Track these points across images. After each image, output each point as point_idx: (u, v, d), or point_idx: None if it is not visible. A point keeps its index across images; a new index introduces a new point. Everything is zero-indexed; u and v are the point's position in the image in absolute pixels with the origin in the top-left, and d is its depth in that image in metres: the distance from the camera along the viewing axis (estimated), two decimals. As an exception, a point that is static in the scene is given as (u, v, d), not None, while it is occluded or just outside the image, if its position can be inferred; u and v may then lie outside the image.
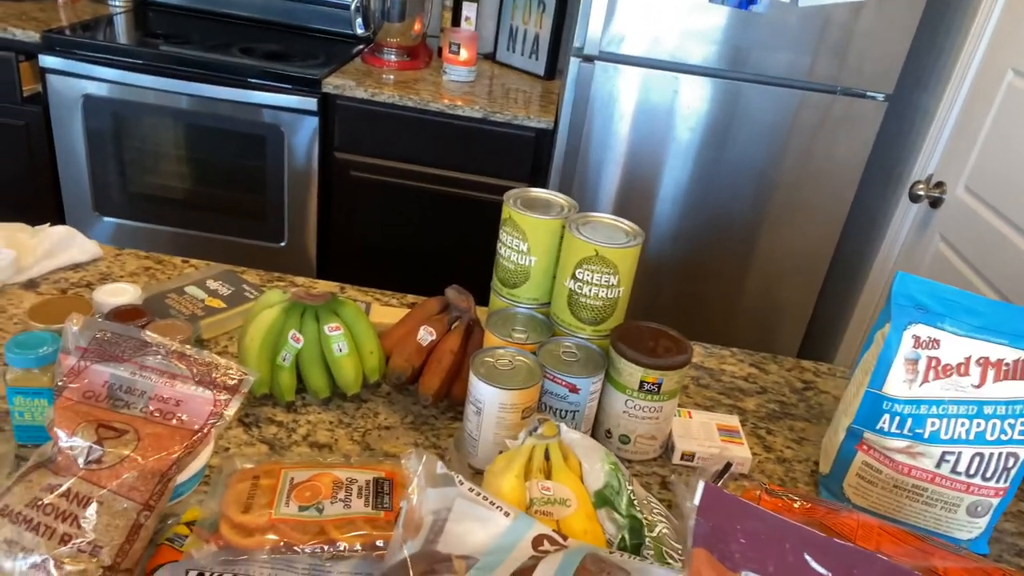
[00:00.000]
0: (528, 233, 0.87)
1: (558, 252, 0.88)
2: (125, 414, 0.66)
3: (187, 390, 0.68)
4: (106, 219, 2.45)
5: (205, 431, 0.66)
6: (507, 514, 0.60)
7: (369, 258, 2.47)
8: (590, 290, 0.83)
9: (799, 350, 2.31)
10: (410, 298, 1.13)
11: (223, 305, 0.99)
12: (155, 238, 2.45)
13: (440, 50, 2.68)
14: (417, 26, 2.47)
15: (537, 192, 0.92)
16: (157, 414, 0.66)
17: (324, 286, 1.13)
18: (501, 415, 0.77)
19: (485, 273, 2.42)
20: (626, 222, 0.87)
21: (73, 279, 1.04)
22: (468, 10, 2.63)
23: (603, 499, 0.67)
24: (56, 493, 0.60)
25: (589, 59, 1.92)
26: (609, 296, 0.84)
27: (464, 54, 2.41)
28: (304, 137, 2.27)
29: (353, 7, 2.40)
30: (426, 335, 0.90)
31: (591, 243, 0.81)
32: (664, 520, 0.69)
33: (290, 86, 2.21)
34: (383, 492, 0.72)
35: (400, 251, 2.44)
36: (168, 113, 2.25)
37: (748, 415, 0.97)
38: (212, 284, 1.04)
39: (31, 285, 1.01)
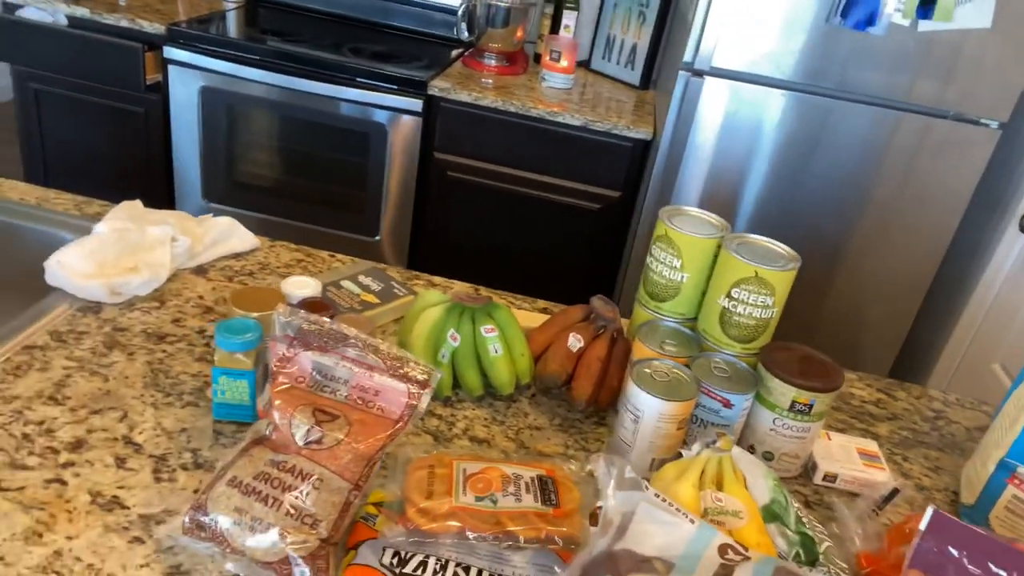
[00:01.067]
0: (683, 250, 0.90)
1: (710, 270, 0.91)
2: (332, 400, 0.71)
3: (384, 381, 0.73)
4: (212, 205, 2.56)
5: (404, 420, 0.71)
6: (692, 521, 0.63)
7: (460, 256, 2.53)
8: (744, 309, 0.86)
9: (889, 374, 2.28)
10: (541, 303, 1.17)
11: (376, 300, 1.05)
12: (256, 226, 2.53)
13: (537, 56, 2.73)
14: (519, 33, 2.52)
15: (689, 210, 0.96)
16: (360, 402, 0.72)
17: (460, 287, 1.18)
18: (659, 425, 0.81)
19: (574, 277, 2.47)
20: (781, 245, 0.90)
21: (236, 267, 1.12)
22: (568, 18, 2.66)
23: (772, 514, 0.70)
24: (282, 468, 0.66)
25: (698, 74, 1.94)
26: (763, 316, 0.87)
27: (564, 62, 2.45)
28: (407, 136, 2.34)
29: (460, 12, 2.46)
30: (575, 342, 0.94)
31: (751, 264, 0.84)
32: (826, 538, 0.71)
33: (396, 87, 2.28)
34: (548, 489, 0.77)
35: (491, 252, 2.50)
36: (279, 107, 2.35)
37: (882, 441, 0.99)
38: (363, 279, 1.10)
39: (200, 271, 1.09)
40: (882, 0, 1.80)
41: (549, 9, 2.68)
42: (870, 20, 1.83)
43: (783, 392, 0.84)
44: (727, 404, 0.83)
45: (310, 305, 0.85)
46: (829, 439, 0.93)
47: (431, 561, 0.68)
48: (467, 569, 0.68)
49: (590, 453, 0.88)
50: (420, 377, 0.74)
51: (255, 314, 0.81)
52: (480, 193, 2.41)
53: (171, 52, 2.34)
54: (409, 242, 2.53)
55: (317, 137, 2.40)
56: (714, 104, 1.97)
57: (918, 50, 1.85)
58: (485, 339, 0.92)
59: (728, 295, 0.87)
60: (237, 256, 1.15)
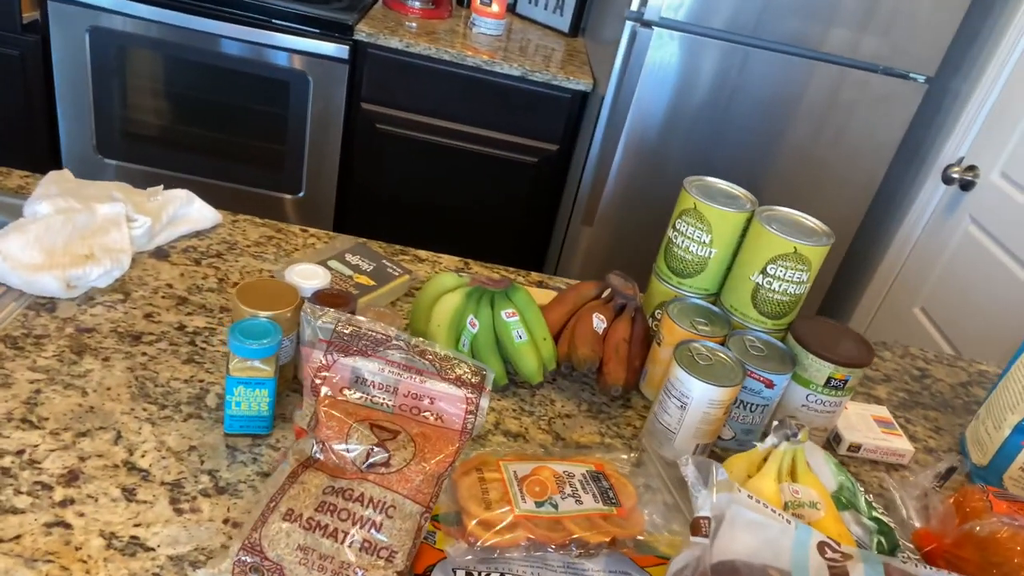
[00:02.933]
0: (713, 225, 0.87)
1: (738, 244, 0.88)
2: (385, 412, 0.64)
3: (436, 387, 0.66)
4: (107, 161, 2.31)
5: (467, 430, 0.65)
6: (788, 522, 0.61)
7: (389, 213, 2.41)
8: (779, 286, 0.84)
9: (814, 320, 2.38)
10: (535, 276, 1.12)
11: (372, 282, 0.96)
12: (161, 184, 2.32)
13: (461, -1, 2.60)
14: (447, -27, 2.38)
15: (713, 181, 0.92)
16: (415, 412, 0.65)
17: (448, 260, 1.10)
18: (708, 411, 0.78)
19: (510, 232, 2.41)
20: (811, 218, 0.88)
21: (200, 247, 0.99)
22: (494, -41, 2.53)
23: (842, 502, 0.69)
24: (347, 497, 0.58)
25: (646, 24, 1.89)
26: (796, 292, 0.85)
27: (495, 7, 2.33)
28: (331, 85, 2.18)
29: (383, -51, 2.28)
30: (599, 323, 0.90)
31: (790, 240, 0.82)
32: (890, 519, 0.71)
33: (319, 31, 2.10)
34: (604, 486, 0.73)
35: (423, 209, 2.39)
36: (182, 51, 2.12)
37: (883, 404, 1.01)
38: (351, 258, 1.00)
39: (160, 254, 0.96)
40: (826, -47, 1.80)
41: (473, -52, 2.54)
42: (814, -27, 1.83)
43: (819, 369, 0.83)
44: (769, 384, 0.81)
45: (326, 298, 0.75)
46: (847, 408, 0.94)
47: (508, 580, 0.63)
48: (546, 584, 0.64)
49: (625, 440, 0.85)
50: (473, 379, 0.68)
51: (267, 313, 0.71)
52: (411, 147, 2.29)
53: (50, -14, 2.04)
54: (335, 200, 2.39)
55: (228, 85, 2.19)
56: (660, 55, 1.93)
57: (855, 5, 1.87)
58: (507, 324, 0.86)
59: (763, 271, 0.84)
60: (199, 234, 1.01)
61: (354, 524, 0.57)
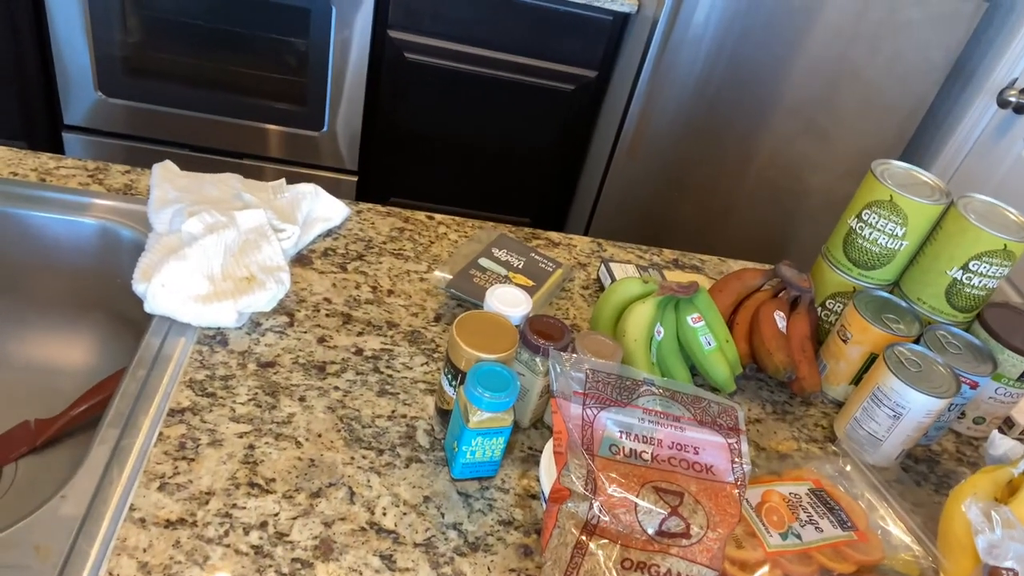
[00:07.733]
0: (910, 218, 0.83)
1: (928, 236, 0.85)
2: (656, 469, 0.61)
3: (697, 435, 0.63)
4: (112, 100, 2.13)
5: (741, 483, 0.62)
6: (1068, 556, 0.61)
7: (418, 149, 2.30)
8: (980, 281, 0.82)
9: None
10: (654, 252, 1.07)
11: (531, 282, 0.91)
12: (171, 123, 2.17)
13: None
14: None
15: (903, 167, 0.87)
16: (684, 466, 0.62)
17: (581, 243, 1.05)
18: (923, 421, 0.77)
19: (543, 167, 2.32)
20: (1011, 209, 0.84)
21: (339, 250, 0.92)
22: None
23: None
24: (655, 574, 0.55)
25: (708, -56, 1.76)
26: (993, 287, 0.83)
27: (525, -83, 2.14)
28: (356, 11, 2.01)
29: None
30: (781, 321, 0.87)
31: (999, 236, 0.79)
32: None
33: (343, -49, 1.92)
34: (833, 508, 0.72)
35: (454, 141, 2.29)
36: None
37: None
38: (498, 253, 0.94)
39: (303, 261, 0.88)
40: None
41: None
42: None
43: (1014, 364, 0.82)
44: (973, 386, 0.80)
45: (539, 329, 0.70)
46: (1013, 390, 0.94)
47: (784, 625, 0.62)
48: (819, 626, 0.64)
49: (819, 443, 0.84)
50: (726, 421, 0.65)
51: (493, 356, 0.66)
52: (442, 77, 2.15)
53: (36, -95, 1.81)
54: (360, 135, 2.26)
55: (247, 14, 2.01)
56: (719, -22, 1.82)
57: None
58: (694, 330, 0.82)
59: (964, 267, 0.81)
60: (330, 234, 0.94)
61: (664, 601, 0.55)
